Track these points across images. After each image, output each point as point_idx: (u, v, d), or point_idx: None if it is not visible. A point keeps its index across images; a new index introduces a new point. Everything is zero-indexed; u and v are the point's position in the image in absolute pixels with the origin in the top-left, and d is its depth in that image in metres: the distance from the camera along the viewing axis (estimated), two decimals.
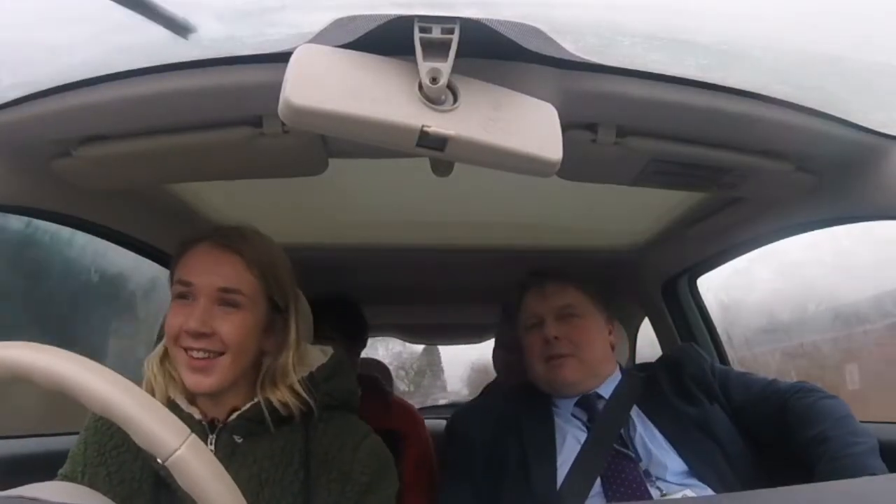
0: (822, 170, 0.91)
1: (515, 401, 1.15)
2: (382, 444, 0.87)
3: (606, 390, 1.09)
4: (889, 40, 0.72)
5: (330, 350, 0.92)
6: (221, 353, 0.78)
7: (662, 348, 1.70)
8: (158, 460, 0.76)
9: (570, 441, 1.04)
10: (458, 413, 1.24)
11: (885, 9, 0.71)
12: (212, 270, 0.79)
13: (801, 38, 0.74)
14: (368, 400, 1.47)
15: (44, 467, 0.78)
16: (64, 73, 0.71)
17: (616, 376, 1.12)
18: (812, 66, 0.79)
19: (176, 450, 0.51)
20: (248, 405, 0.82)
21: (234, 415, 0.81)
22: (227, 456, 0.79)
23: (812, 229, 1.10)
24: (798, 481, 0.87)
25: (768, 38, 0.73)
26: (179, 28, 0.63)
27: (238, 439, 0.81)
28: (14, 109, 0.74)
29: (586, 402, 1.08)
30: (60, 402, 0.56)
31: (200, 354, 0.78)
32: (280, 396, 0.81)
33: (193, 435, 0.52)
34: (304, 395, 0.82)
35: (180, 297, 0.80)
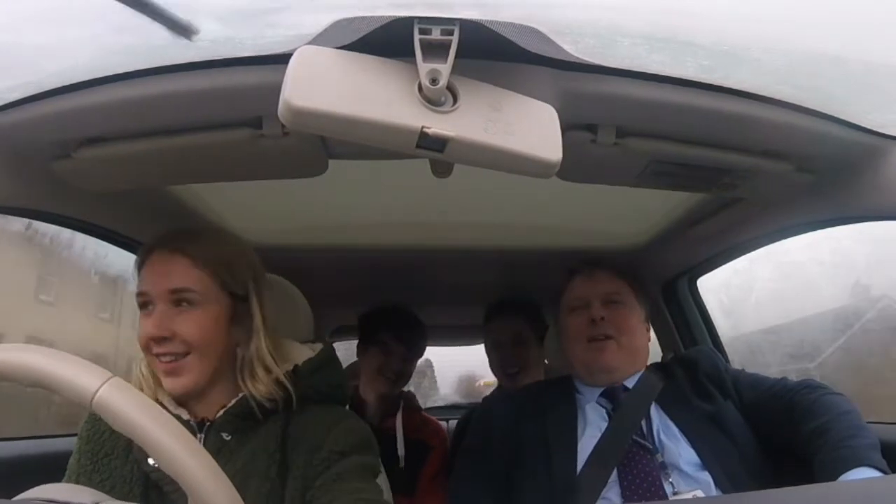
0: (822, 170, 0.91)
1: (541, 390, 1.18)
2: (361, 424, 0.87)
3: (631, 383, 1.11)
4: (889, 40, 0.72)
5: (319, 346, 0.93)
6: (187, 353, 0.80)
7: (662, 349, 1.70)
8: (150, 461, 0.78)
9: (592, 429, 1.05)
10: (483, 399, 1.26)
11: (886, 9, 0.71)
12: (161, 275, 0.81)
13: (801, 39, 0.74)
14: (406, 413, 1.60)
15: (43, 469, 0.78)
16: (64, 74, 0.71)
17: (641, 371, 1.14)
18: (812, 66, 0.79)
19: (97, 390, 0.51)
20: (233, 401, 0.82)
21: (221, 412, 0.82)
22: (215, 453, 0.79)
23: (812, 229, 1.10)
24: (807, 478, 0.87)
25: (768, 38, 0.73)
26: (182, 29, 0.63)
27: (226, 437, 0.82)
28: (14, 111, 0.74)
29: (612, 393, 1.10)
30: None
31: (167, 358, 0.80)
32: (263, 389, 0.81)
33: (116, 377, 0.52)
34: (288, 385, 0.82)
35: (142, 307, 0.82)
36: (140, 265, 0.84)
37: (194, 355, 0.80)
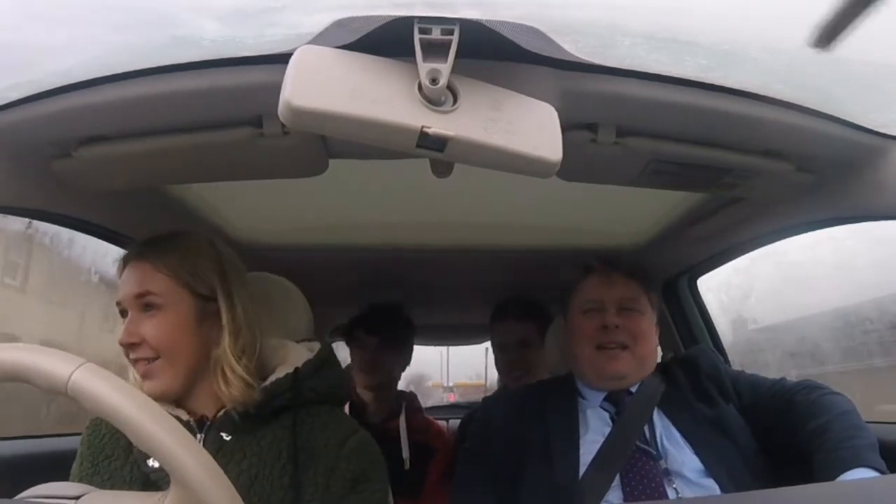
0: (822, 170, 0.91)
1: (541, 390, 1.17)
2: (371, 440, 0.87)
3: (635, 386, 1.10)
4: (889, 40, 0.72)
5: (317, 346, 0.93)
6: (157, 358, 0.81)
7: (662, 349, 1.70)
8: (149, 462, 0.79)
9: (594, 434, 1.04)
10: (484, 400, 1.26)
11: (886, 9, 0.71)
12: (128, 283, 0.83)
13: (801, 38, 0.74)
14: (409, 415, 1.61)
15: (47, 468, 0.79)
16: (63, 73, 0.71)
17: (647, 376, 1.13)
18: (812, 66, 0.79)
19: (70, 375, 0.51)
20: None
21: (221, 412, 0.83)
22: (214, 452, 0.80)
23: (812, 229, 1.10)
24: (807, 478, 0.87)
25: (768, 38, 0.73)
26: None
27: (226, 437, 0.82)
28: (14, 110, 0.74)
29: (615, 397, 1.09)
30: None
31: (141, 363, 0.82)
32: (236, 393, 0.81)
33: (90, 362, 0.52)
34: (254, 386, 0.82)
35: (122, 316, 0.84)
36: (119, 277, 0.87)
37: (164, 359, 0.81)
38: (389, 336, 1.65)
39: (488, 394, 3.62)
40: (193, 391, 0.84)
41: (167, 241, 0.87)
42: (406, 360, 1.76)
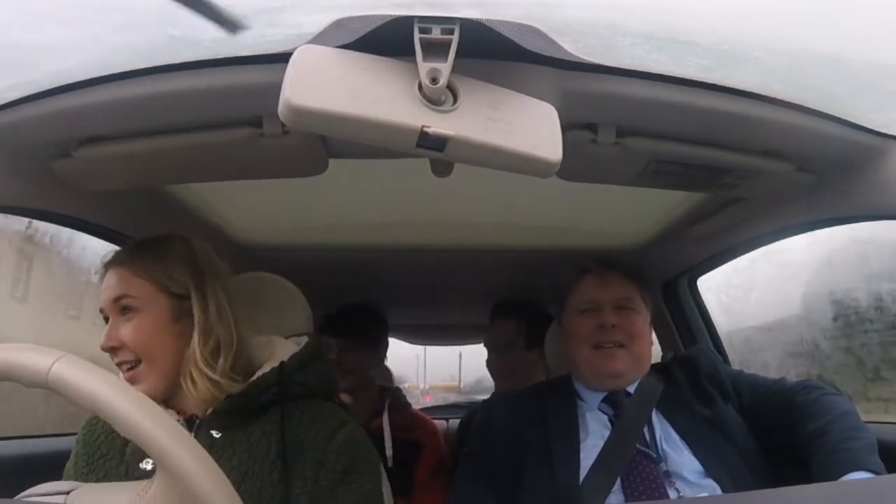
0: (822, 170, 0.91)
1: (541, 393, 1.17)
2: (361, 432, 0.87)
3: (633, 387, 1.10)
4: (889, 40, 0.72)
5: (304, 340, 0.93)
6: (140, 362, 0.83)
7: (662, 349, 1.70)
8: (141, 465, 0.79)
9: (594, 438, 1.04)
10: (483, 402, 1.27)
11: (885, 8, 0.71)
12: (106, 289, 0.85)
13: (801, 38, 0.74)
14: (393, 411, 1.59)
15: (44, 468, 0.79)
16: (63, 73, 0.71)
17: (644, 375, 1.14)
18: (812, 66, 0.79)
19: (50, 367, 0.51)
20: (221, 399, 0.83)
21: (209, 410, 0.83)
22: (206, 450, 0.79)
23: (812, 229, 1.10)
24: (807, 479, 0.87)
25: (768, 38, 0.73)
26: (229, 24, 0.64)
27: (216, 434, 0.82)
28: (14, 110, 0.74)
29: (614, 399, 1.09)
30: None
31: (125, 367, 0.83)
32: (200, 394, 0.81)
33: (68, 354, 0.53)
34: (223, 385, 0.82)
35: (106, 323, 0.86)
36: (101, 285, 0.88)
37: (146, 363, 0.83)
38: (355, 337, 1.63)
39: (462, 395, 3.62)
40: (180, 391, 0.84)
41: (144, 245, 0.88)
42: (379, 359, 1.73)
